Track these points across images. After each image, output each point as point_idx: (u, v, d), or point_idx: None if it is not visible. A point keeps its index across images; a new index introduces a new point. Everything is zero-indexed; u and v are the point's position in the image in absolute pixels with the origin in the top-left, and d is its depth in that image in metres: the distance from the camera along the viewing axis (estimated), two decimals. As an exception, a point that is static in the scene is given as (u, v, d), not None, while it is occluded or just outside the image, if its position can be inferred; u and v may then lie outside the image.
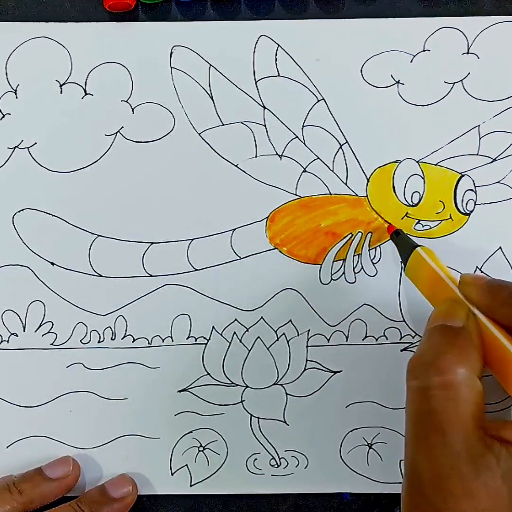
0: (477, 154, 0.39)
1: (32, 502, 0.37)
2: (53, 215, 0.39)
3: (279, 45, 0.38)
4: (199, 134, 0.39)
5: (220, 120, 0.39)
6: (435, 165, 0.39)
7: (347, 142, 0.39)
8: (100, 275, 0.39)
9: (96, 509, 0.38)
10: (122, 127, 0.39)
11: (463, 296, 0.32)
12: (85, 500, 0.38)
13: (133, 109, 0.38)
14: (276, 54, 0.38)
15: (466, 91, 0.39)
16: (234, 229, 0.39)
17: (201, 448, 0.40)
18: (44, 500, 0.38)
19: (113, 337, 0.39)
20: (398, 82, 0.39)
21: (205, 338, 0.39)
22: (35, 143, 0.38)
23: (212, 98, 0.38)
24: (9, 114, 0.38)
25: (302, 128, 0.39)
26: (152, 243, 0.39)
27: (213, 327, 0.39)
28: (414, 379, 0.28)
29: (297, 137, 0.39)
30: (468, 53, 0.38)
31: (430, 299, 0.34)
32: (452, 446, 0.27)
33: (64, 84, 0.38)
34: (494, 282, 0.32)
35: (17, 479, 0.38)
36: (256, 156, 0.39)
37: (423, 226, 0.39)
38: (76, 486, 0.39)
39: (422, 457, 0.27)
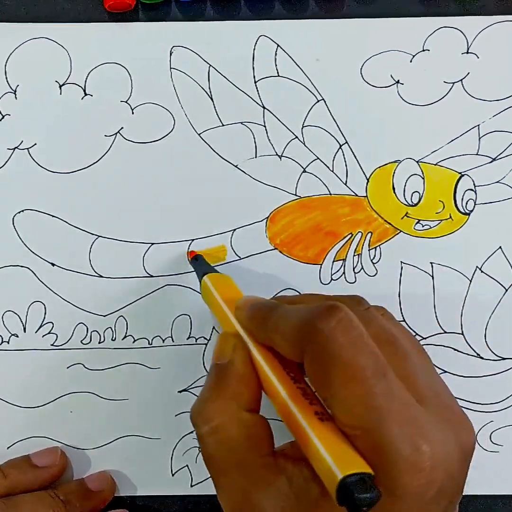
0: (477, 154, 0.39)
1: (15, 487, 0.37)
2: (53, 216, 0.39)
3: (278, 45, 0.38)
4: (199, 134, 0.39)
5: (220, 120, 0.39)
6: (435, 165, 0.39)
7: (346, 142, 0.39)
8: (101, 276, 0.39)
9: (72, 499, 0.38)
10: (122, 127, 0.39)
11: (238, 322, 0.32)
12: (63, 489, 0.38)
13: (132, 110, 0.38)
14: (275, 54, 0.38)
15: (465, 91, 0.39)
16: (234, 229, 0.39)
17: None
18: (28, 486, 0.38)
19: (114, 338, 0.39)
20: (397, 82, 0.39)
21: (205, 338, 0.39)
22: (35, 144, 0.38)
23: (211, 98, 0.38)
24: (9, 114, 0.38)
25: (302, 128, 0.39)
26: (152, 243, 0.39)
27: (213, 328, 0.39)
28: (193, 428, 0.29)
29: (296, 137, 0.39)
30: (467, 52, 0.38)
31: (223, 327, 0.33)
32: (237, 482, 0.27)
33: (63, 84, 0.38)
34: (255, 305, 0.31)
35: (4, 464, 0.39)
36: (256, 157, 0.39)
37: (423, 226, 0.39)
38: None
39: (220, 495, 0.29)
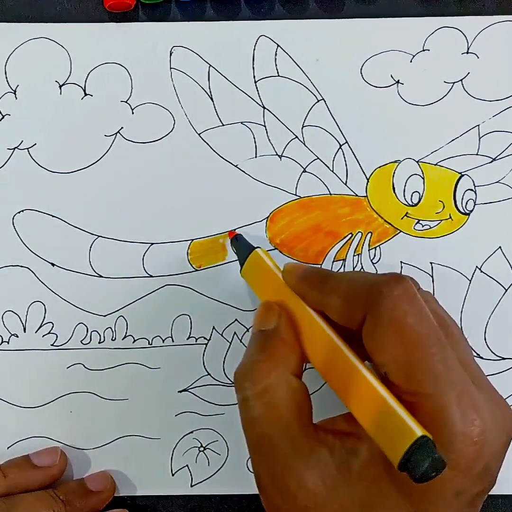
0: (476, 154, 0.39)
1: (15, 487, 0.37)
2: (53, 216, 0.39)
3: (278, 45, 0.38)
4: (199, 134, 0.39)
5: (220, 120, 0.39)
6: (435, 165, 0.39)
7: (346, 142, 0.39)
8: (101, 276, 0.39)
9: (72, 498, 0.38)
10: (122, 127, 0.39)
11: (287, 286, 0.32)
12: (63, 489, 0.38)
13: (132, 110, 0.38)
14: (275, 54, 0.38)
15: (465, 91, 0.39)
16: (234, 229, 0.39)
17: (201, 449, 0.40)
18: (28, 486, 0.38)
19: (114, 338, 0.39)
20: (397, 82, 0.39)
21: (205, 338, 0.39)
22: (35, 144, 0.38)
23: (211, 98, 0.38)
24: (9, 114, 0.38)
25: (302, 128, 0.39)
26: (152, 243, 0.39)
27: (213, 327, 0.39)
28: (237, 392, 0.29)
29: (296, 137, 0.39)
30: (467, 52, 0.38)
31: (267, 297, 0.34)
32: (279, 448, 0.27)
33: (63, 84, 0.38)
34: (310, 268, 0.32)
35: (4, 463, 0.39)
36: (256, 157, 0.39)
37: (423, 226, 0.39)
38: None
39: (258, 463, 0.28)
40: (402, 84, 0.39)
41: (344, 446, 0.27)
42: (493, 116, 0.39)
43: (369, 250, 0.39)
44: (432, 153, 0.39)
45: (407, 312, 0.26)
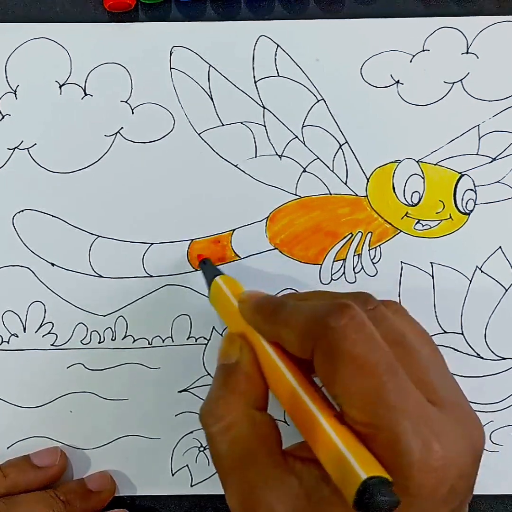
0: (476, 154, 0.39)
1: (15, 487, 0.38)
2: (53, 216, 0.39)
3: (278, 45, 0.38)
4: (199, 134, 0.39)
5: (220, 120, 0.39)
6: (435, 165, 0.39)
7: (346, 142, 0.39)
8: (100, 276, 0.39)
9: (72, 499, 0.38)
10: (122, 127, 0.39)
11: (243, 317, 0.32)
12: (63, 489, 0.38)
13: (132, 110, 0.38)
14: (275, 54, 0.38)
15: (465, 91, 0.39)
16: (234, 229, 0.39)
17: (201, 448, 0.40)
18: (28, 486, 0.38)
19: (114, 338, 0.39)
20: (397, 82, 0.39)
21: (205, 338, 0.39)
22: (35, 144, 0.38)
23: (211, 98, 0.38)
24: (9, 115, 0.38)
25: (302, 128, 0.39)
26: (152, 243, 0.39)
27: (213, 327, 0.39)
28: (203, 429, 0.29)
29: (296, 137, 0.39)
30: (467, 52, 0.38)
31: (230, 329, 0.33)
32: (248, 481, 0.27)
33: (63, 84, 0.38)
34: (262, 299, 0.32)
35: (4, 463, 0.39)
36: (256, 156, 0.39)
37: (423, 226, 0.39)
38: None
39: (231, 497, 0.28)
40: (402, 84, 0.39)
41: (313, 473, 0.27)
42: (493, 116, 0.39)
43: (369, 250, 0.39)
44: (432, 153, 0.39)
45: (354, 341, 0.26)
